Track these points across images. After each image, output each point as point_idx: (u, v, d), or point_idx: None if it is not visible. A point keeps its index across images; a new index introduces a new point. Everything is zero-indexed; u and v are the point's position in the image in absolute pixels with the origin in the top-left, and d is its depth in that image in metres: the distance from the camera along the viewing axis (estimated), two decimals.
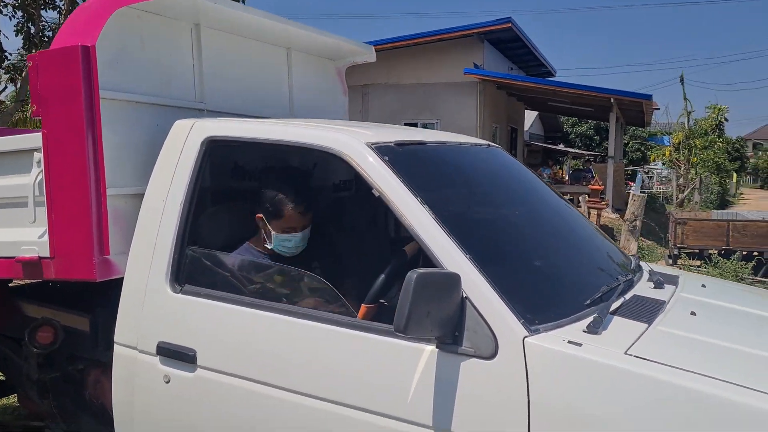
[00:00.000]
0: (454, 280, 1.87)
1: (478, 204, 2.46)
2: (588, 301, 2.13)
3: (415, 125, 18.21)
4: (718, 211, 13.58)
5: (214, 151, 2.49)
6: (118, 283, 2.56)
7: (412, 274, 1.78)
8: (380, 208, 3.69)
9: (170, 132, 2.56)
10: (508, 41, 18.61)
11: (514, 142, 22.01)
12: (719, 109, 26.74)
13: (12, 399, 4.05)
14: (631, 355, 1.80)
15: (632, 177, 26.68)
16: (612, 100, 15.86)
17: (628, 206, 10.39)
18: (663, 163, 29.25)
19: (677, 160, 24.05)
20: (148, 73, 2.75)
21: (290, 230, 2.50)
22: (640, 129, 30.81)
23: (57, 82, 2.47)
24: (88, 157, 2.43)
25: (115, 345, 2.52)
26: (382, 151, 2.21)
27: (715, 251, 10.28)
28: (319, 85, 3.91)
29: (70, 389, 3.11)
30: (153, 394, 2.41)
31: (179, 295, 2.38)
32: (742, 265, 8.33)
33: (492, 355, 1.87)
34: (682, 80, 23.96)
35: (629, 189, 24.53)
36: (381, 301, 2.36)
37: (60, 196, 2.52)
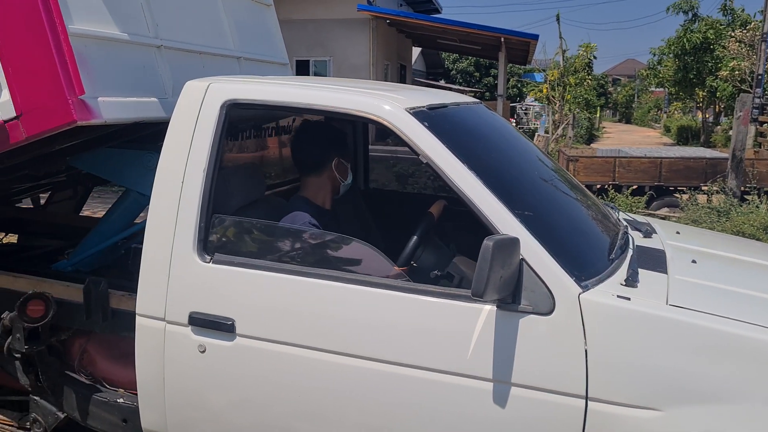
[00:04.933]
0: (515, 243, 1.99)
1: (505, 165, 2.57)
2: (612, 255, 2.34)
3: (307, 62, 17.89)
4: (605, 148, 14.55)
5: (235, 114, 2.41)
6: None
7: (489, 242, 1.88)
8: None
9: (182, 94, 2.45)
10: None
11: (403, 80, 22.19)
12: (589, 47, 28.14)
13: None
14: (674, 305, 2.02)
15: (512, 114, 27.84)
16: (501, 40, 16.30)
17: None
18: (537, 100, 30.60)
19: (553, 97, 25.30)
20: None
21: None
22: (517, 66, 31.92)
23: None
24: None
25: (137, 317, 2.45)
26: (420, 116, 2.25)
27: (600, 186, 11.09)
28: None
29: (54, 361, 2.98)
30: (187, 365, 2.38)
31: (210, 264, 2.34)
32: (636, 200, 9.08)
33: (549, 311, 2.03)
34: (558, 19, 25.00)
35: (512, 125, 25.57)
36: (411, 262, 2.46)
37: (13, 43, 2.34)
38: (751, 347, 1.91)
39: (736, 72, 20.56)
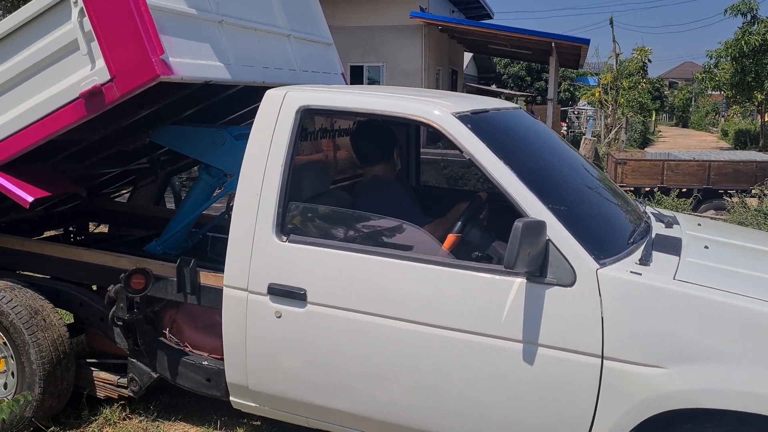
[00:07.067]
0: (542, 226, 2.38)
1: (535, 160, 2.96)
2: (630, 240, 2.69)
3: (361, 68, 18.43)
4: (653, 151, 14.61)
5: (307, 117, 2.87)
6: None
7: (519, 223, 2.27)
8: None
9: (263, 101, 2.91)
10: None
11: (455, 85, 22.54)
12: (644, 51, 27.86)
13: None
14: (679, 280, 2.37)
15: (563, 117, 27.84)
16: (552, 44, 16.51)
17: (580, 149, 11.15)
18: (590, 103, 30.42)
19: (605, 100, 25.20)
20: None
21: None
22: (570, 70, 31.83)
23: None
24: None
25: (224, 288, 2.92)
26: (464, 120, 2.66)
27: (649, 188, 11.21)
28: None
29: (150, 329, 3.48)
30: (265, 328, 2.84)
31: (286, 243, 2.79)
32: (682, 202, 9.23)
33: (571, 284, 2.40)
34: (611, 23, 24.91)
35: (563, 129, 25.61)
36: (461, 235, 2.86)
37: (105, 19, 2.85)
38: (743, 315, 2.24)
39: None
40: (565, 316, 2.41)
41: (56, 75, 3.08)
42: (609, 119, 25.30)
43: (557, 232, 2.43)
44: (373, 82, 18.34)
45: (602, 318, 2.36)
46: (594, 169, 3.51)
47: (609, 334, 2.36)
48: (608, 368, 2.36)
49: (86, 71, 2.97)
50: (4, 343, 3.40)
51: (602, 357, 2.36)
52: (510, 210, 2.52)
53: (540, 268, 2.42)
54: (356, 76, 18.23)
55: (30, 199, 3.24)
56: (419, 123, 2.68)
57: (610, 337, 2.35)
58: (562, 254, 2.42)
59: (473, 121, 2.69)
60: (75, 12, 2.91)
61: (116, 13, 2.82)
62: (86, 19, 2.89)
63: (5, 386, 3.49)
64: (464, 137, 2.59)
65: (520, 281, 2.46)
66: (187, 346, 3.45)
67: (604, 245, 2.54)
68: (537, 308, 2.43)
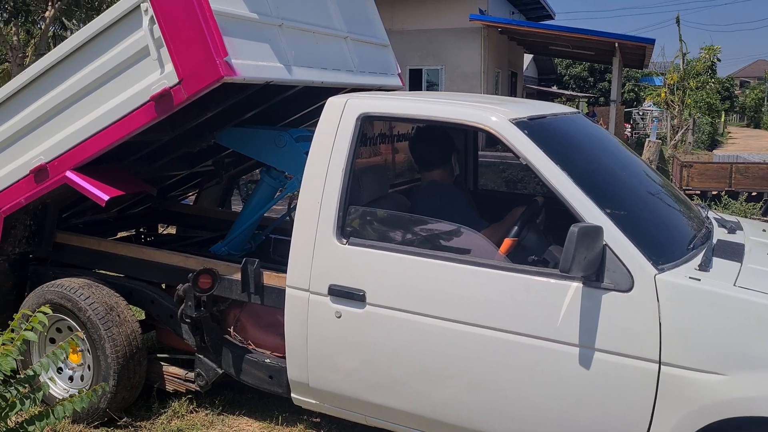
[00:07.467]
0: (599, 231, 2.39)
1: (593, 164, 2.97)
2: (690, 245, 2.67)
3: (420, 71, 18.50)
4: (721, 154, 14.18)
5: (367, 123, 2.95)
6: None
7: (575, 228, 2.30)
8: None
9: (325, 108, 3.02)
10: None
11: (514, 87, 22.35)
12: (712, 50, 26.95)
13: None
14: (739, 286, 2.34)
15: (627, 119, 27.23)
16: (616, 45, 16.21)
17: (644, 152, 10.91)
18: (655, 104, 29.60)
19: (672, 101, 24.50)
20: None
21: None
22: (634, 70, 31.11)
23: None
24: None
25: (287, 288, 3.04)
26: (521, 126, 2.70)
27: (716, 192, 10.88)
28: None
29: (216, 326, 3.63)
30: (325, 328, 2.94)
31: (347, 246, 2.88)
32: (752, 206, 8.95)
33: (629, 289, 2.41)
34: (677, 21, 24.21)
35: (626, 131, 25.04)
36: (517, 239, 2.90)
37: (174, 26, 3.02)
38: None
39: None
40: (622, 320, 2.41)
41: (129, 80, 3.27)
42: (675, 120, 24.56)
43: (614, 237, 2.44)
44: (431, 85, 18.38)
45: (660, 323, 2.36)
46: (655, 173, 3.48)
47: (667, 339, 2.35)
48: (665, 374, 2.35)
49: (156, 75, 3.15)
50: (82, 338, 3.60)
51: (659, 362, 2.36)
52: (567, 214, 2.54)
53: (596, 272, 2.44)
54: (415, 80, 18.30)
55: (105, 197, 3.43)
56: (477, 129, 2.74)
57: (667, 343, 2.35)
58: (619, 259, 2.42)
59: (530, 126, 2.72)
60: (146, 20, 3.09)
61: (184, 19, 3.00)
62: (156, 26, 3.07)
63: (81, 378, 3.70)
64: (521, 143, 2.63)
65: (576, 285, 2.48)
66: (251, 344, 3.58)
67: (663, 251, 2.53)
68: (593, 313, 2.45)
